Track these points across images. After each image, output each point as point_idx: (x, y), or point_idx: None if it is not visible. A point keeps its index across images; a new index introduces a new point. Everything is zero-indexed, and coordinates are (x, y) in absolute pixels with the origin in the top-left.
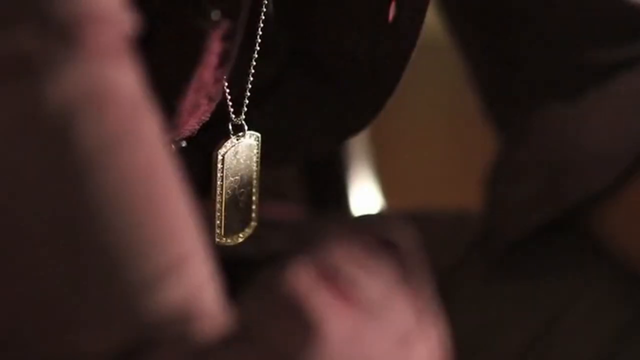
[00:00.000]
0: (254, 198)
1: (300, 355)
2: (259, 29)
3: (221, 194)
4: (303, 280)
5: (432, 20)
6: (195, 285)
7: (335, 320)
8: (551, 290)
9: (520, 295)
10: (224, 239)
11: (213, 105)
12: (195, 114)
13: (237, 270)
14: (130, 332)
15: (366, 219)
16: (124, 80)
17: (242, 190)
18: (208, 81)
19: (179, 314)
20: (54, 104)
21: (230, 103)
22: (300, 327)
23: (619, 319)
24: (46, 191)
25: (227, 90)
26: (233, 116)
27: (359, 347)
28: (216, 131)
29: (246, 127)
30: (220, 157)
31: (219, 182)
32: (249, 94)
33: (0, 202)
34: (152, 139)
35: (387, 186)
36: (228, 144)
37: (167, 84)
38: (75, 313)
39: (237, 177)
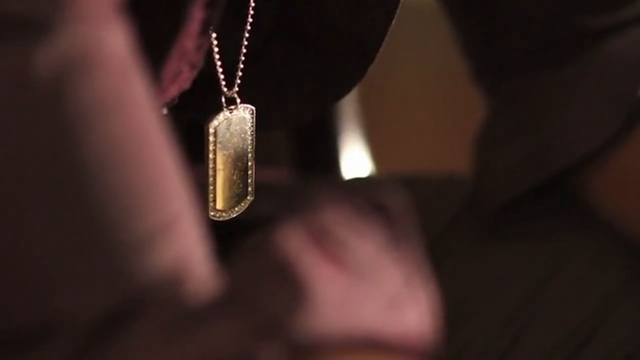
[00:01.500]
0: (249, 172)
1: (290, 318)
2: (251, 1)
3: (213, 167)
4: (293, 242)
5: None
6: (185, 248)
7: (325, 282)
8: (541, 253)
9: (510, 258)
10: (218, 212)
11: (194, 73)
12: (176, 81)
13: (226, 234)
14: (119, 295)
15: (356, 182)
16: (114, 43)
17: (237, 163)
18: (190, 48)
19: (168, 276)
20: (45, 65)
21: (222, 76)
22: (290, 289)
23: (609, 281)
24: (36, 153)
25: (219, 63)
26: (225, 89)
27: (349, 309)
28: (209, 104)
29: (239, 101)
30: (212, 130)
31: (210, 155)
32: (242, 66)
33: None
34: (142, 101)
35: (377, 150)
36: (220, 116)
37: (148, 51)
38: (62, 276)
39: (230, 151)
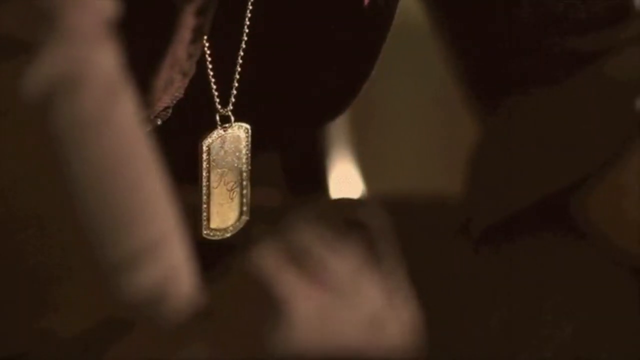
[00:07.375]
0: (244, 192)
1: (267, 333)
2: (247, 19)
3: (207, 185)
4: (270, 261)
5: (414, 4)
6: (171, 267)
7: (301, 299)
8: (535, 271)
9: (503, 276)
10: (212, 231)
11: (187, 81)
12: (169, 90)
13: (211, 253)
14: (105, 313)
15: (337, 202)
16: (102, 63)
17: (231, 182)
18: (182, 57)
19: (153, 294)
20: (35, 83)
21: (217, 93)
22: (266, 306)
23: (602, 303)
24: (22, 170)
25: (213, 80)
26: (219, 107)
27: (327, 326)
28: (204, 124)
29: (233, 119)
30: (205, 148)
31: (204, 174)
32: (236, 84)
33: None
34: (129, 121)
35: (368, 170)
36: (214, 134)
37: (141, 61)
38: (49, 296)
39: (224, 169)
